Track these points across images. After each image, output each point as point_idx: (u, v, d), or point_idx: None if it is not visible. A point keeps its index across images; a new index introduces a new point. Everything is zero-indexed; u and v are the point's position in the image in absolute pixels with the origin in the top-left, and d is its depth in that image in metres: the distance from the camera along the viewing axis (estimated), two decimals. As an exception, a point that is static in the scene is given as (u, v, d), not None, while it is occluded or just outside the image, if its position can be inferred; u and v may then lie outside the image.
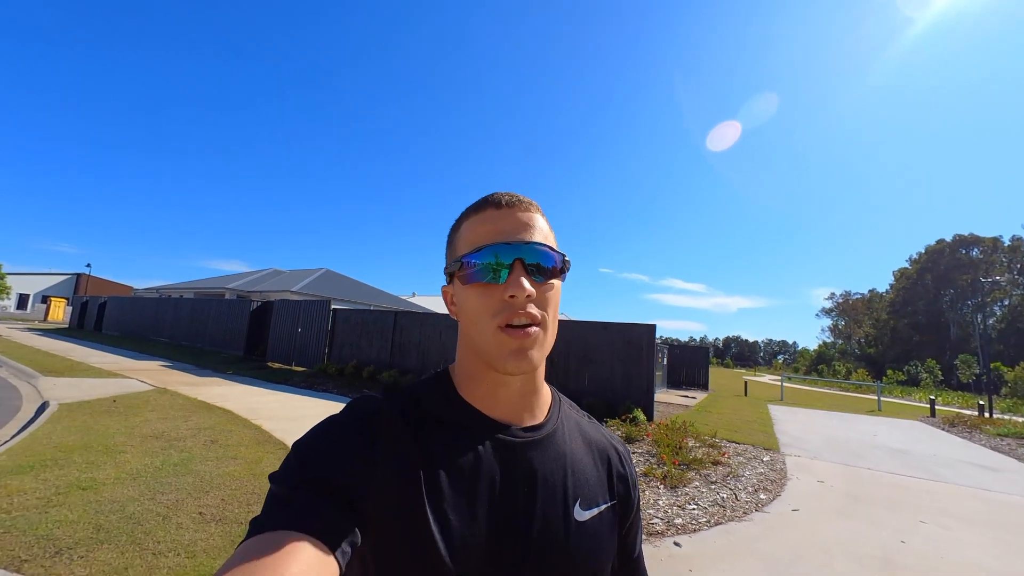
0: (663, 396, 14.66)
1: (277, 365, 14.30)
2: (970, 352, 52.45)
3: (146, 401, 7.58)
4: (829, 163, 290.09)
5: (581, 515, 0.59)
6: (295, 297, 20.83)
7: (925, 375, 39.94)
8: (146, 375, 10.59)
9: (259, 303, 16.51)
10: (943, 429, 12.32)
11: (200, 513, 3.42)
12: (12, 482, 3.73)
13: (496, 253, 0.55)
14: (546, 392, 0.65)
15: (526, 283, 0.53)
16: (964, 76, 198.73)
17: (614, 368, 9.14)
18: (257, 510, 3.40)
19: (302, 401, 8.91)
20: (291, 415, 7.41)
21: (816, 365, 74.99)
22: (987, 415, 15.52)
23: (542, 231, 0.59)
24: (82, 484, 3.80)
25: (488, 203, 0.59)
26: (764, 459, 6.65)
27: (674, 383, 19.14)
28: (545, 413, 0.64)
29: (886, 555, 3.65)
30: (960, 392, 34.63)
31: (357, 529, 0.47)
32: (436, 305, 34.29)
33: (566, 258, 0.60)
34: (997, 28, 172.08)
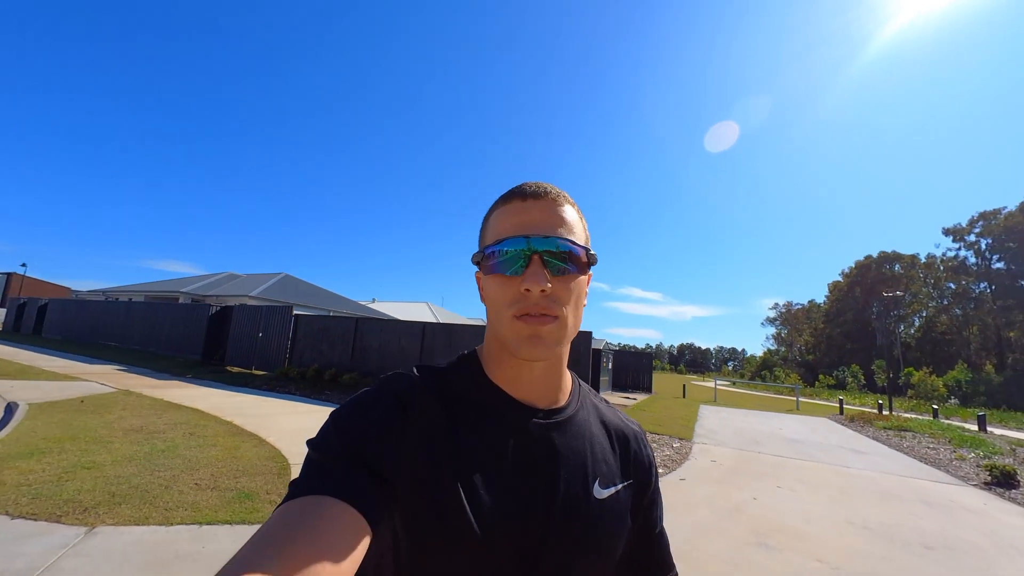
0: (606, 397, 15.93)
1: (237, 369, 14.56)
2: (894, 359, 57.67)
3: (114, 401, 7.97)
4: (781, 179, 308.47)
5: (600, 493, 0.61)
6: (254, 302, 20.89)
7: (851, 379, 43.70)
8: (104, 378, 10.76)
9: (218, 308, 16.63)
10: (842, 424, 14.20)
11: (196, 484, 4.17)
12: (21, 464, 4.33)
13: (514, 246, 0.56)
14: (568, 378, 0.68)
15: (541, 279, 0.54)
16: (894, 114, 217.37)
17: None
18: (243, 484, 4.21)
19: (267, 401, 9.46)
20: (258, 413, 8.01)
21: (760, 371, 79.61)
22: (885, 412, 17.74)
23: (568, 224, 0.59)
24: (85, 465, 4.44)
25: (515, 194, 0.61)
26: (674, 445, 7.89)
27: (620, 386, 20.58)
28: (567, 397, 0.66)
29: (737, 506, 4.85)
30: (878, 394, 38.23)
31: (390, 500, 0.50)
32: (396, 311, 34.63)
33: (591, 252, 0.61)
34: (925, 71, 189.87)
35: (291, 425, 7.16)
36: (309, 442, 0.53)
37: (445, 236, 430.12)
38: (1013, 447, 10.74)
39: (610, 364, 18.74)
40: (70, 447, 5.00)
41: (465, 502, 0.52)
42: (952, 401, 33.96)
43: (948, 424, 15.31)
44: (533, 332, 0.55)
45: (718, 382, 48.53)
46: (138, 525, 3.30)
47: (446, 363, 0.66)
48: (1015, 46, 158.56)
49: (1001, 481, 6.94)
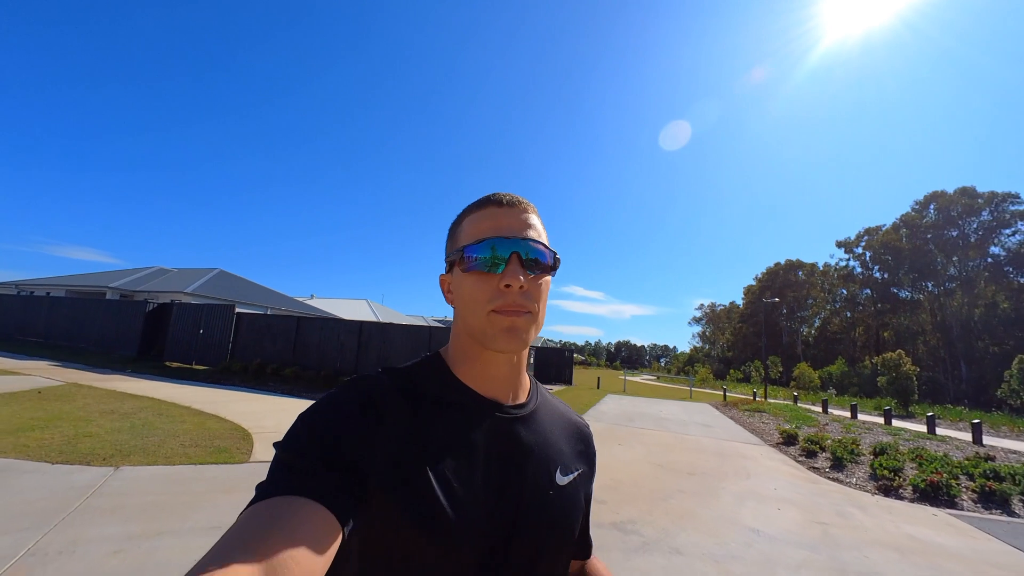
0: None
1: (176, 364, 15.20)
2: (796, 355, 65.22)
3: (69, 392, 8.89)
4: (716, 186, 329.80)
5: (561, 480, 0.68)
6: (190, 299, 21.14)
7: (754, 373, 49.27)
8: (43, 372, 11.33)
9: (155, 304, 17.02)
10: (717, 408, 17.23)
11: (181, 444, 5.64)
12: (32, 435, 5.56)
13: (495, 246, 0.62)
14: (527, 377, 0.75)
15: (521, 275, 0.60)
16: (805, 136, 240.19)
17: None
18: (218, 444, 5.77)
19: (215, 391, 10.60)
20: (211, 400, 9.23)
21: (685, 366, 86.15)
22: (759, 399, 21.28)
23: (537, 230, 0.66)
24: (84, 434, 5.74)
25: (491, 201, 0.67)
26: (561, 421, 10.05)
27: (543, 379, 22.94)
28: (527, 394, 0.73)
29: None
30: (773, 386, 43.62)
31: (361, 496, 0.51)
32: (335, 307, 35.10)
33: (557, 256, 0.67)
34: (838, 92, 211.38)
35: (244, 408, 8.54)
36: (276, 444, 0.54)
37: (387, 234, 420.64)
38: (832, 421, 13.97)
39: (532, 359, 21.03)
40: (62, 424, 6.21)
41: (439, 495, 0.55)
42: (831, 391, 39.59)
43: (799, 407, 18.87)
44: (511, 324, 0.60)
45: (644, 377, 53.12)
46: (150, 466, 4.80)
47: (411, 364, 0.69)
48: (900, 83, 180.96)
49: (786, 441, 9.65)
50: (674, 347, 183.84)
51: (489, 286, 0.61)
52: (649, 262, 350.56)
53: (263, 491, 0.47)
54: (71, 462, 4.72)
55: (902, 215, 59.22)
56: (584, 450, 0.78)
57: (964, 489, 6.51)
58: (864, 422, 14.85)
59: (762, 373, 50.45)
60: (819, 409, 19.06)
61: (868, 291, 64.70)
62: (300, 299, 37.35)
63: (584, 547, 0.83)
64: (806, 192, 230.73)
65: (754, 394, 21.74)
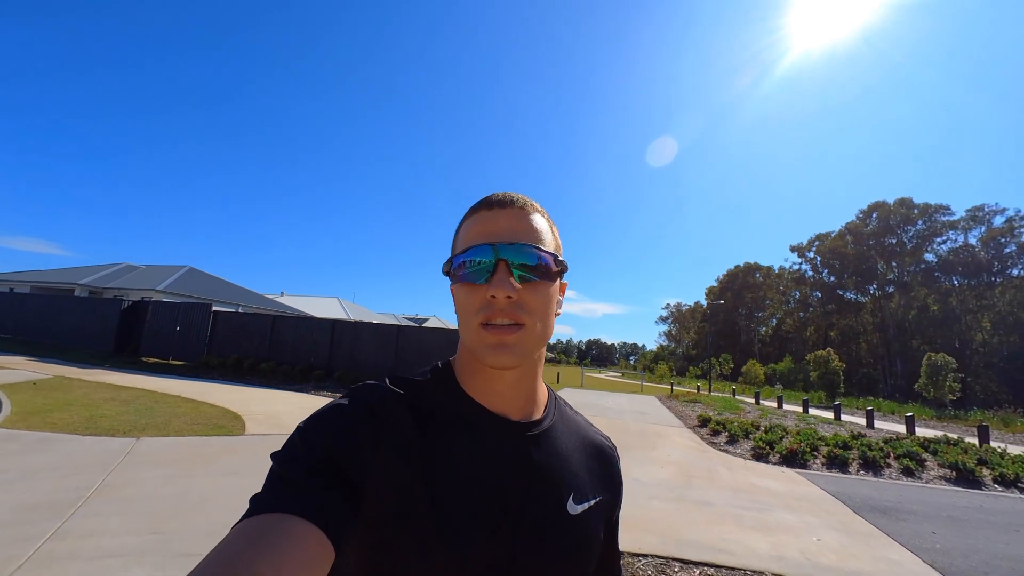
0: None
1: (153, 360, 15.93)
2: (753, 353, 69.10)
3: (62, 384, 9.76)
4: (687, 187, 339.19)
5: (574, 509, 0.61)
6: (162, 296, 21.63)
7: (712, 369, 52.31)
8: (27, 367, 12.04)
9: (129, 302, 17.62)
10: (660, 400, 19.09)
11: (184, 423, 6.80)
12: (52, 415, 6.62)
13: (480, 254, 0.57)
14: (543, 390, 0.68)
15: (507, 285, 0.55)
16: (766, 144, 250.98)
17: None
18: (215, 423, 6.98)
19: (197, 383, 11.58)
20: (198, 391, 10.25)
21: (651, 364, 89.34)
22: (703, 392, 23.36)
23: (536, 232, 0.60)
24: (99, 415, 6.82)
25: (483, 204, 0.62)
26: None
27: (508, 375, 24.44)
28: (542, 410, 0.67)
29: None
30: (727, 382, 46.52)
31: (357, 513, 0.49)
32: (306, 305, 35.66)
33: (559, 259, 0.61)
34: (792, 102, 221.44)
35: (230, 397, 9.65)
36: (273, 455, 0.52)
37: (359, 232, 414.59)
38: (756, 410, 15.94)
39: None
40: (74, 408, 7.24)
41: (435, 514, 0.52)
42: (777, 385, 42.65)
43: (735, 399, 20.98)
44: (498, 341, 0.56)
45: (611, 374, 55.44)
46: (164, 437, 5.99)
47: (419, 373, 0.66)
48: (855, 94, 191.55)
49: (701, 424, 11.39)
50: (643, 345, 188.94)
51: (477, 297, 0.58)
52: (621, 261, 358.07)
53: (255, 506, 0.45)
54: (98, 435, 5.86)
55: (848, 223, 63.41)
56: (606, 474, 0.71)
57: (818, 456, 8.31)
58: (786, 411, 17.00)
59: (719, 370, 53.59)
60: (753, 400, 21.24)
61: (818, 293, 69.05)
62: (270, 296, 37.66)
63: None
64: (769, 197, 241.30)
65: (698, 388, 23.82)
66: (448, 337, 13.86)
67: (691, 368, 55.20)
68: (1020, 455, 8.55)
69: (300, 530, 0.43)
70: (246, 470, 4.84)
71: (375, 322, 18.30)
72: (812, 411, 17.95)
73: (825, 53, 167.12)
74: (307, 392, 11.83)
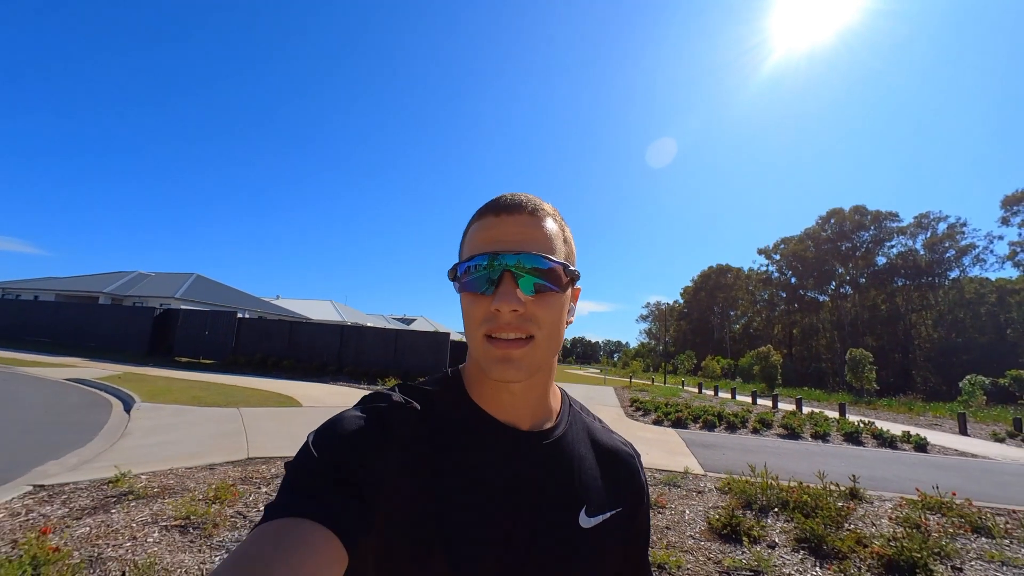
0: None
1: (186, 359, 18.87)
2: (725, 351, 73.64)
3: (136, 378, 12.73)
4: (671, 186, 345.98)
5: (587, 522, 0.60)
6: (182, 303, 24.51)
7: (680, 366, 56.35)
8: (87, 366, 14.90)
9: (161, 310, 20.53)
10: (615, 389, 22.60)
11: (258, 400, 9.98)
12: (165, 396, 9.71)
13: (484, 263, 0.55)
14: (556, 397, 0.67)
15: (511, 297, 0.53)
16: (742, 149, 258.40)
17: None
18: (280, 400, 10.16)
19: (237, 377, 14.61)
20: (245, 382, 13.30)
21: (631, 360, 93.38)
22: (655, 384, 26.99)
23: (545, 238, 0.57)
24: (196, 397, 9.93)
25: (489, 209, 0.59)
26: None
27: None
28: (554, 418, 0.65)
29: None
30: (691, 376, 50.60)
31: (369, 519, 0.49)
32: (302, 308, 38.48)
33: (569, 267, 0.59)
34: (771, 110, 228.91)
35: (272, 386, 12.80)
36: (287, 463, 0.53)
37: (348, 234, 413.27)
38: (691, 396, 19.47)
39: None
40: (173, 392, 10.32)
41: (442, 525, 0.52)
42: (737, 379, 46.78)
43: (677, 387, 24.62)
44: (503, 355, 0.54)
45: (591, 371, 59.23)
46: (254, 407, 9.16)
47: (428, 381, 0.65)
48: (832, 99, 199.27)
49: (631, 405, 14.86)
50: (626, 343, 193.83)
51: (482, 308, 0.56)
52: (606, 259, 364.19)
53: (271, 511, 0.47)
54: (209, 406, 9.02)
55: (808, 228, 68.05)
56: (626, 483, 0.68)
57: (698, 423, 11.79)
58: (723, 398, 20.67)
59: (686, 366, 57.76)
60: (696, 390, 24.92)
61: (783, 294, 73.77)
62: (267, 299, 40.25)
63: None
64: (743, 199, 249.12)
65: (652, 380, 27.45)
66: (435, 339, 17.12)
67: (663, 364, 59.10)
68: (850, 422, 12.22)
69: (315, 535, 0.43)
70: (317, 423, 8.08)
71: (375, 326, 21.47)
72: (760, 401, 21.44)
73: (806, 56, 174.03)
74: (326, 383, 15.03)
